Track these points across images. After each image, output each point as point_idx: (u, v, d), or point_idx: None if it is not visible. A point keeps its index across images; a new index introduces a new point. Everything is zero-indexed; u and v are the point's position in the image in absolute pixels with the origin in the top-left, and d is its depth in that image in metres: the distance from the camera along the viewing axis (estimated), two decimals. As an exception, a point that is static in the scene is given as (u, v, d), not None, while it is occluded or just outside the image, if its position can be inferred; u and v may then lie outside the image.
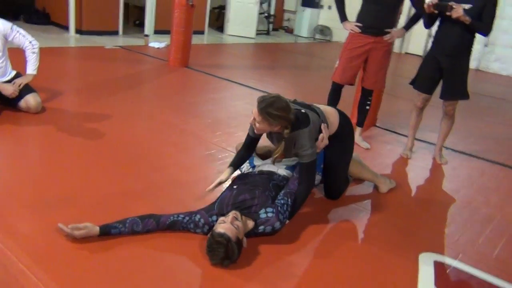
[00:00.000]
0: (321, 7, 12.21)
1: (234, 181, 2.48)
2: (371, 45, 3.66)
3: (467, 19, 3.23)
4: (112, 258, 2.01)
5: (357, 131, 3.88)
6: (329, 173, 2.75)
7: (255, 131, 2.46)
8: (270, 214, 2.21)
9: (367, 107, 3.90)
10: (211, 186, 2.49)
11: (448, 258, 2.38)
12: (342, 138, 2.67)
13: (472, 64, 9.98)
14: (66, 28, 8.04)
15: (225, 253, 1.95)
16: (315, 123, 2.41)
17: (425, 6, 3.38)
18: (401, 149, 3.94)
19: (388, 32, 3.64)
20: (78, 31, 7.97)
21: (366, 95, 3.88)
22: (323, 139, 2.46)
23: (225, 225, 2.03)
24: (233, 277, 1.97)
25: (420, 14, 3.64)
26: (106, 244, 2.08)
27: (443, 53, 3.45)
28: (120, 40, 8.11)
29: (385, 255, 2.33)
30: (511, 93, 7.73)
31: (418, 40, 10.75)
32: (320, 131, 2.46)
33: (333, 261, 2.23)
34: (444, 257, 2.39)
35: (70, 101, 4.22)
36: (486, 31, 3.34)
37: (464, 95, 3.57)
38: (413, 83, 3.72)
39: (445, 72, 3.50)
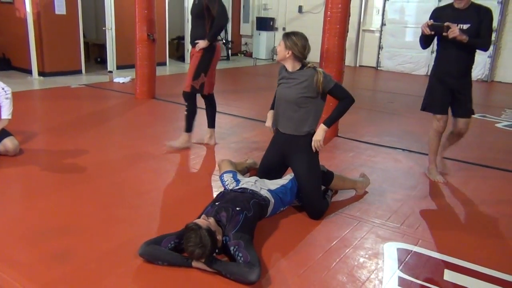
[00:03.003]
0: (275, 29, 12.73)
1: (218, 198, 2.72)
2: (192, 54, 4.13)
3: (464, 38, 3.24)
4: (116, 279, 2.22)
5: None
6: (304, 194, 2.95)
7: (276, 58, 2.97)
8: (239, 256, 2.29)
9: (185, 113, 4.20)
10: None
11: (409, 245, 2.68)
12: (310, 148, 2.98)
13: (422, 71, 10.68)
14: (28, 71, 8.15)
15: (199, 239, 2.19)
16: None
17: (422, 27, 3.41)
18: (363, 155, 4.29)
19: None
20: (41, 73, 8.10)
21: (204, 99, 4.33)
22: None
23: (197, 219, 2.37)
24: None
25: (218, 23, 3.92)
26: (107, 265, 2.28)
27: (450, 75, 3.49)
28: (84, 79, 8.27)
29: (355, 250, 2.62)
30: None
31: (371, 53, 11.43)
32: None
33: (316, 261, 2.50)
34: (405, 244, 2.69)
35: (45, 141, 4.38)
36: (485, 47, 3.35)
37: (473, 111, 3.66)
38: (426, 108, 3.72)
39: (456, 92, 3.55)
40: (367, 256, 2.55)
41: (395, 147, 4.70)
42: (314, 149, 2.98)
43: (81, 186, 3.30)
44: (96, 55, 10.46)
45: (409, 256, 2.56)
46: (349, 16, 4.59)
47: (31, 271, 2.22)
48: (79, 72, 8.70)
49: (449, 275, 2.38)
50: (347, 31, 4.62)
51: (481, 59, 10.15)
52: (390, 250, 2.62)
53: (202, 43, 3.99)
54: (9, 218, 2.79)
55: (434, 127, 3.72)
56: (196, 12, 4.03)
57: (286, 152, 3.07)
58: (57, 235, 2.57)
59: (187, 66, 10.92)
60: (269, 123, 3.20)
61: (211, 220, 2.38)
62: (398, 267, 2.43)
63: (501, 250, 2.71)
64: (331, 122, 2.99)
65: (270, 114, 3.22)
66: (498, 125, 5.99)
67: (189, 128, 4.24)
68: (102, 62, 10.06)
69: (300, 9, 12.18)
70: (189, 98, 4.17)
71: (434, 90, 3.62)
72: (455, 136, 3.79)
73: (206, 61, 4.06)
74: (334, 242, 2.68)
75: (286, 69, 3.01)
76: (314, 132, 3.00)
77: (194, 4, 4.09)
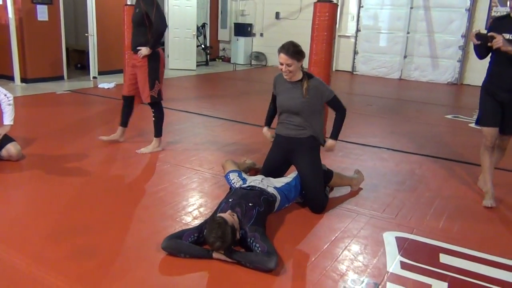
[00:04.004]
0: (253, 35, 12.98)
1: (230, 195, 2.90)
2: (133, 62, 4.30)
3: (509, 49, 3.09)
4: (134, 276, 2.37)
5: None
6: (308, 189, 3.17)
7: (285, 77, 3.12)
8: (256, 247, 2.50)
9: (153, 119, 4.38)
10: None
11: (405, 234, 2.94)
12: (313, 148, 3.21)
13: (395, 75, 11.14)
14: (9, 78, 8.10)
15: (221, 233, 2.37)
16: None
17: (470, 37, 3.33)
18: (352, 155, 4.55)
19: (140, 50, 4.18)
20: (23, 79, 8.07)
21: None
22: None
23: (224, 214, 2.55)
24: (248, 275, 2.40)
25: (157, 30, 4.07)
26: (132, 259, 2.43)
27: (501, 88, 3.34)
28: (67, 85, 8.27)
29: (358, 239, 2.85)
30: (432, 97, 8.72)
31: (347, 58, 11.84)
32: None
33: (324, 250, 2.71)
34: (402, 233, 2.94)
35: (44, 146, 4.44)
36: None
37: None
38: (479, 122, 3.57)
39: (506, 107, 3.39)
40: (369, 244, 2.78)
41: (380, 146, 4.98)
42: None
43: (90, 188, 3.43)
44: (76, 61, 10.44)
45: (407, 243, 2.81)
46: (336, 23, 4.86)
47: (61, 267, 2.35)
48: (61, 78, 8.69)
49: (444, 258, 2.64)
50: (334, 38, 4.88)
51: (450, 64, 10.69)
52: (389, 238, 2.86)
53: (144, 50, 4.11)
54: (27, 218, 2.90)
55: (484, 141, 3.55)
56: (137, 20, 4.16)
57: (290, 151, 3.27)
58: (79, 233, 2.69)
59: (168, 71, 11.20)
60: (268, 135, 3.48)
61: (235, 217, 2.56)
62: (399, 253, 2.67)
63: (488, 235, 3.00)
64: (337, 134, 3.28)
65: (266, 130, 3.52)
66: (471, 125, 6.37)
67: (158, 133, 4.41)
68: (82, 68, 10.06)
69: (277, 15, 12.47)
70: (154, 106, 4.34)
71: (485, 102, 3.48)
72: (497, 150, 3.60)
73: (154, 68, 4.21)
74: (337, 233, 2.91)
75: (286, 79, 3.16)
76: (316, 135, 3.23)
77: (134, 13, 4.21)
